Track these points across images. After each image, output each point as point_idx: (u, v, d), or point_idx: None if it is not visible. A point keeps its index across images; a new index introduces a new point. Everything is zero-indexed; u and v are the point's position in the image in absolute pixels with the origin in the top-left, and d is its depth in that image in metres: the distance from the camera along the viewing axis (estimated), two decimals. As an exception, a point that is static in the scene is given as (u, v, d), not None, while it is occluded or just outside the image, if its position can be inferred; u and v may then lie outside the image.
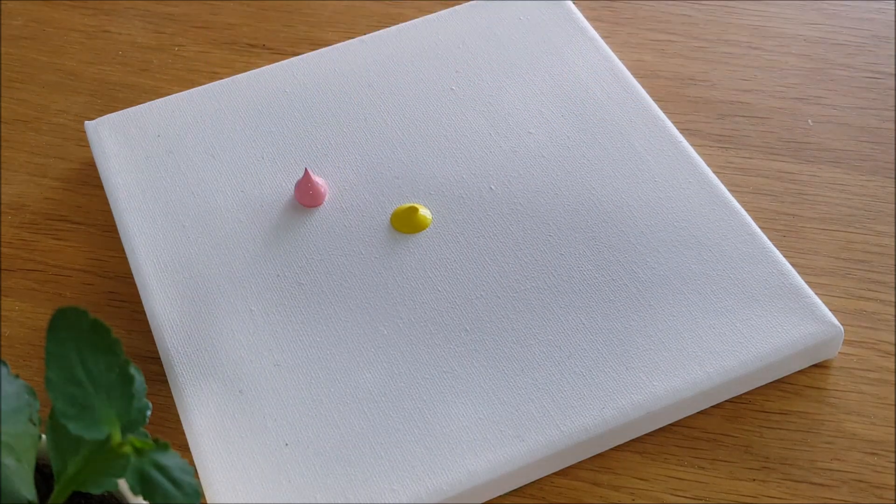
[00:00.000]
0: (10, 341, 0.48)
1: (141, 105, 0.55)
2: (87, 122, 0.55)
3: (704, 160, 0.51)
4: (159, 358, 0.47)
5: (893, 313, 0.47)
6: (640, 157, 0.51)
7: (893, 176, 0.52)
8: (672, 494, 0.42)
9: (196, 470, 0.42)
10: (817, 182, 0.52)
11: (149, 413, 0.31)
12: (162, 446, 0.31)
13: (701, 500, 0.42)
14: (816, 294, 0.46)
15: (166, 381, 0.46)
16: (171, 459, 0.30)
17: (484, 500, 0.42)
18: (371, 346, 0.45)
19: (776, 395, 0.45)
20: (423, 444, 0.42)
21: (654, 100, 0.54)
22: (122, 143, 0.53)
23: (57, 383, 0.30)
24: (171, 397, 0.46)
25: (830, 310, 0.46)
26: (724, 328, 0.45)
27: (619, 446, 0.44)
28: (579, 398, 0.43)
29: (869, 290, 0.48)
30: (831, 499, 0.42)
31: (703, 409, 0.44)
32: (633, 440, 0.44)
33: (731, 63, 0.58)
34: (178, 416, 0.45)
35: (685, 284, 0.46)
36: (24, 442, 0.33)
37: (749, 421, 0.44)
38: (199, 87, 0.56)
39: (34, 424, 0.33)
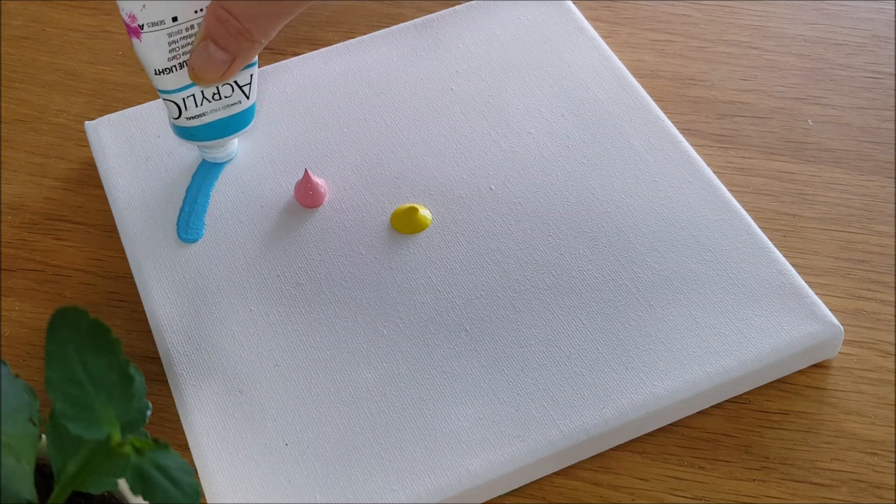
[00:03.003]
0: (10, 341, 0.48)
1: (141, 105, 0.55)
2: (87, 122, 0.55)
3: (704, 160, 0.51)
4: (159, 358, 0.47)
5: (893, 313, 0.47)
6: (640, 157, 0.51)
7: (893, 176, 0.52)
8: (672, 494, 0.42)
9: (196, 470, 0.42)
10: (817, 182, 0.52)
11: (149, 413, 0.31)
12: (162, 446, 0.30)
13: (701, 500, 0.42)
14: (816, 294, 0.46)
15: (166, 381, 0.46)
16: (170, 459, 0.30)
17: (484, 500, 0.42)
18: (371, 346, 0.45)
19: (776, 395, 0.45)
20: (423, 444, 0.42)
21: (654, 100, 0.54)
22: (122, 144, 0.53)
23: (57, 383, 0.30)
24: (171, 397, 0.46)
25: (830, 310, 0.46)
26: (724, 328, 0.45)
27: (619, 446, 0.44)
28: (579, 398, 0.43)
29: (869, 290, 0.48)
30: (831, 499, 0.42)
31: (703, 409, 0.44)
32: (633, 440, 0.44)
33: (731, 63, 0.58)
34: (178, 416, 0.45)
35: (685, 284, 0.46)
36: (24, 442, 0.33)
37: (749, 421, 0.44)
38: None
39: (34, 424, 0.33)
